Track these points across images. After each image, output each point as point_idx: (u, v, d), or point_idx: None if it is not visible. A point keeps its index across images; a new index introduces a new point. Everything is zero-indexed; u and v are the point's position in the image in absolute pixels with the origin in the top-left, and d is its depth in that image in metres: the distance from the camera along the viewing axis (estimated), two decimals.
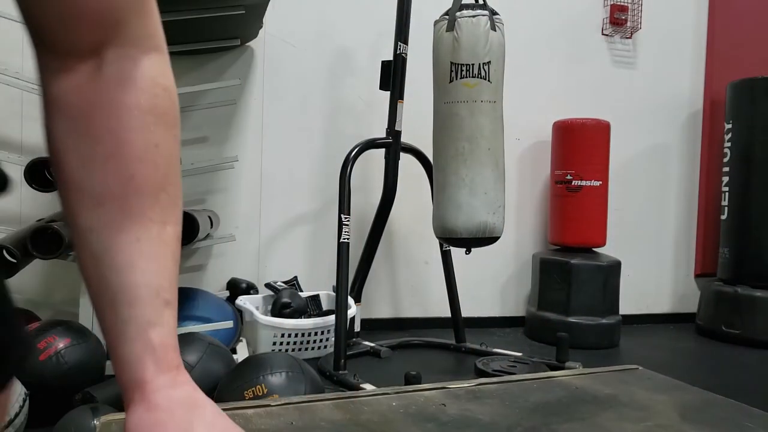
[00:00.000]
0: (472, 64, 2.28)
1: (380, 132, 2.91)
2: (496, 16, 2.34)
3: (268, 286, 2.90)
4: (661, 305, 3.81)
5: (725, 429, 0.72)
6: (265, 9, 2.55)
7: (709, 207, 3.84)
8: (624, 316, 3.27)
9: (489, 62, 2.29)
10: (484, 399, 0.80)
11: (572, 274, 3.07)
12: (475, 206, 2.30)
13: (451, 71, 2.29)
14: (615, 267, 3.16)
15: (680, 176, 3.86)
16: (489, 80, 2.25)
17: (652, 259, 3.80)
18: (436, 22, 2.41)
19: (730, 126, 3.51)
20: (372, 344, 2.83)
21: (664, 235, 3.81)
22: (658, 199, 3.82)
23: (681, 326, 3.70)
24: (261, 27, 2.86)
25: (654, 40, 3.73)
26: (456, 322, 2.95)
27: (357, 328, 2.98)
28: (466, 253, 2.47)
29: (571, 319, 3.08)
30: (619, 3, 3.62)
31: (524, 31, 3.43)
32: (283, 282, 2.97)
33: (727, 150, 3.53)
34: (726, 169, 3.53)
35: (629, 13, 3.64)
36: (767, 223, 3.35)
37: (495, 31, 2.32)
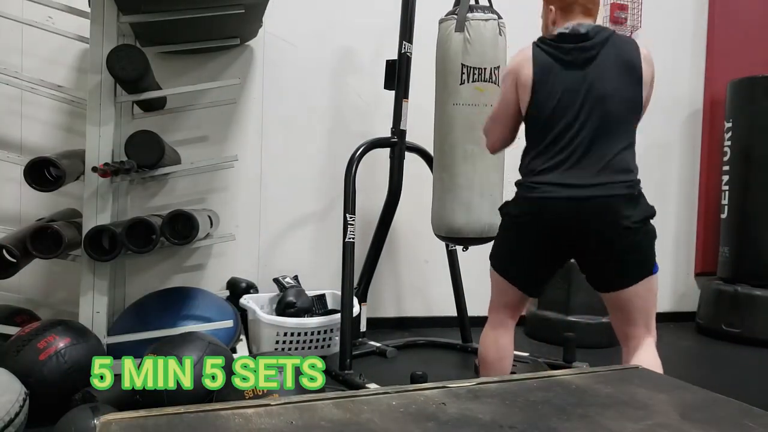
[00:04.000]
0: (484, 68, 2.29)
1: (380, 131, 2.91)
2: (501, 21, 2.35)
3: (275, 281, 2.89)
4: (661, 304, 3.78)
5: (725, 428, 0.72)
6: (265, 8, 2.55)
7: (709, 206, 3.84)
8: None
9: (498, 67, 2.30)
10: (484, 398, 0.79)
11: (572, 273, 3.06)
12: (482, 208, 2.32)
13: (462, 73, 2.29)
14: None
15: (680, 175, 3.85)
16: (498, 84, 2.26)
17: None
18: (441, 21, 2.39)
19: (730, 125, 3.51)
20: (378, 344, 2.82)
21: (664, 234, 3.80)
22: (658, 198, 3.80)
23: (681, 325, 3.70)
24: (261, 26, 2.86)
25: (654, 39, 3.72)
26: (462, 322, 2.94)
27: (363, 327, 2.97)
28: (464, 250, 2.49)
29: (571, 318, 3.08)
30: (618, 1, 3.62)
31: (524, 31, 3.42)
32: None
33: (727, 149, 3.52)
34: (726, 167, 3.53)
35: (629, 12, 3.63)
36: (767, 222, 3.35)
37: (501, 35, 2.34)
